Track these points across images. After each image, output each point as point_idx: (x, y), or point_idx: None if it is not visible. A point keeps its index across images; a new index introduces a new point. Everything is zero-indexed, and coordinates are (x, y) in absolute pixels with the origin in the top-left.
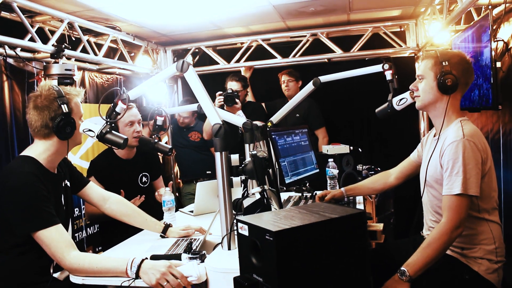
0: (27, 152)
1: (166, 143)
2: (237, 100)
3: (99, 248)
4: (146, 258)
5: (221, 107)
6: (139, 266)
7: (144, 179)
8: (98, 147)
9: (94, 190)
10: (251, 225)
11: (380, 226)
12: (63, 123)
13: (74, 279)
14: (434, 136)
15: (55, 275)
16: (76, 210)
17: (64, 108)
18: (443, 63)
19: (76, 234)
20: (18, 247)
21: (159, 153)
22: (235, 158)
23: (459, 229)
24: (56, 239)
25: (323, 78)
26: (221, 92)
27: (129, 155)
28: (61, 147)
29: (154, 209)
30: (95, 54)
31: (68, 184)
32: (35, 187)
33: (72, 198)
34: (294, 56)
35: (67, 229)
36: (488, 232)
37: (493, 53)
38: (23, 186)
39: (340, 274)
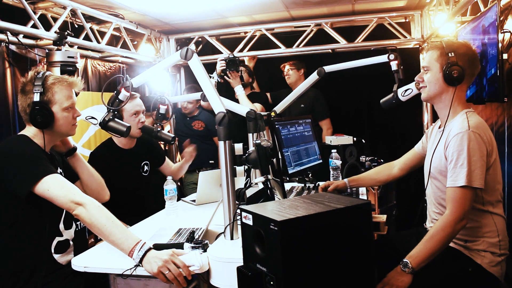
0: (20, 133)
1: (168, 132)
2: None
3: (100, 237)
4: (152, 248)
5: (222, 72)
6: (145, 253)
7: (145, 167)
8: (101, 136)
9: None
10: (256, 215)
11: (383, 217)
12: (35, 112)
13: (76, 266)
14: (439, 127)
15: (56, 256)
16: None
17: (36, 96)
18: (449, 54)
19: (78, 222)
20: (17, 223)
21: (161, 142)
22: (238, 147)
23: (463, 221)
24: (61, 185)
25: (328, 68)
26: (222, 58)
27: (130, 144)
28: (46, 135)
29: (156, 197)
30: (98, 42)
31: (62, 173)
32: (27, 147)
33: None
34: (298, 46)
35: (60, 217)
36: (492, 224)
37: (499, 44)
38: (14, 147)
39: (345, 265)
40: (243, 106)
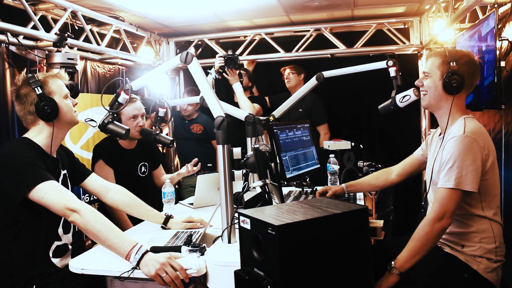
0: (24, 135)
1: (167, 134)
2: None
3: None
4: (149, 251)
5: (221, 69)
6: (142, 256)
7: (143, 168)
8: (99, 138)
9: (95, 181)
10: (254, 219)
11: (380, 222)
12: (42, 105)
13: (74, 268)
14: (440, 135)
15: (54, 261)
16: None
17: (38, 90)
18: (451, 64)
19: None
20: (16, 226)
21: (159, 145)
22: (237, 151)
23: (442, 221)
24: (60, 191)
25: (327, 73)
26: (221, 54)
27: (131, 145)
28: (54, 130)
29: (153, 199)
30: (98, 44)
31: (66, 174)
32: (25, 152)
33: (69, 188)
34: (297, 50)
35: (60, 221)
36: (490, 231)
37: (497, 52)
38: (13, 151)
39: (341, 270)
40: (242, 110)
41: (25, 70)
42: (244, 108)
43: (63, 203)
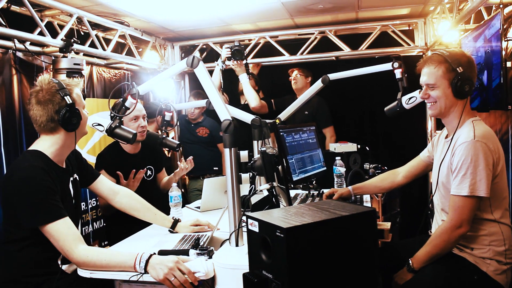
0: (34, 146)
1: (173, 138)
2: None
3: (105, 243)
4: (154, 253)
5: (228, 60)
6: (147, 261)
7: (149, 172)
8: (105, 142)
9: (104, 184)
10: (262, 222)
11: (387, 225)
12: (69, 115)
13: (82, 272)
14: (446, 137)
15: (63, 267)
16: (83, 205)
17: (68, 99)
18: (458, 69)
19: (83, 228)
20: (25, 240)
21: (166, 149)
22: (244, 154)
23: (460, 229)
24: (64, 233)
25: (332, 76)
26: (228, 45)
27: (135, 149)
28: (68, 140)
29: (159, 202)
30: (103, 49)
31: (77, 178)
32: (41, 180)
33: (80, 192)
34: (302, 53)
35: (77, 224)
36: (499, 233)
37: (503, 52)
38: (29, 179)
39: (349, 272)
40: (248, 114)
41: (51, 74)
42: (250, 99)
43: (69, 245)
